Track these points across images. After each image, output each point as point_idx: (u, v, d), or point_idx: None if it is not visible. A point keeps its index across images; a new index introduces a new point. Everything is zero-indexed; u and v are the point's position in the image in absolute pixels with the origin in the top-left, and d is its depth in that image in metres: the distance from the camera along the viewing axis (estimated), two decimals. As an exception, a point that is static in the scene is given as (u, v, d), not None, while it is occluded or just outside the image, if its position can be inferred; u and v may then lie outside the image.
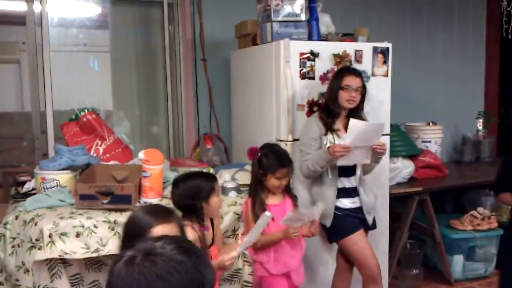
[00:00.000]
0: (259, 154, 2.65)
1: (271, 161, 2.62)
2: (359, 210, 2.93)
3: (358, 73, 2.87)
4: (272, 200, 2.68)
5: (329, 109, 2.88)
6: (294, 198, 2.76)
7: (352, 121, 2.72)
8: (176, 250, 1.08)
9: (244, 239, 2.25)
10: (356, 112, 2.89)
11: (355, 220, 2.90)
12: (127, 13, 3.98)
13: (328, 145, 2.80)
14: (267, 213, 2.36)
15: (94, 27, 3.99)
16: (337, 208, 2.87)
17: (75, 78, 3.85)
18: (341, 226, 2.88)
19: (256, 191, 2.66)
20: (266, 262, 2.65)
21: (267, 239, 2.58)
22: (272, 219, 2.51)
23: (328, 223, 2.88)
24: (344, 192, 2.90)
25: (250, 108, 3.52)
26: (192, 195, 2.26)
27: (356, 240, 2.86)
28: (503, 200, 2.99)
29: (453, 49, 4.96)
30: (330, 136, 2.85)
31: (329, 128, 2.86)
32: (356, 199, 2.93)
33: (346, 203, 2.90)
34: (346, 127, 2.82)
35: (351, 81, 2.81)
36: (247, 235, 2.32)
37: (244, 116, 3.63)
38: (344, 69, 2.96)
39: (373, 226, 3.04)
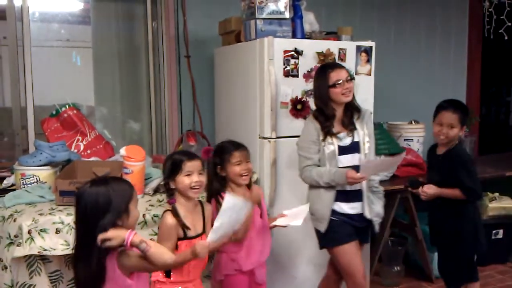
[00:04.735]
0: (212, 153, 2.62)
1: (223, 149, 2.58)
2: (357, 217, 2.74)
3: (340, 65, 2.78)
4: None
5: (324, 113, 2.72)
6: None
7: (363, 162, 2.66)
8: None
9: (215, 224, 2.04)
10: (351, 105, 2.77)
11: (350, 229, 2.72)
12: (109, 9, 3.94)
13: (327, 150, 2.69)
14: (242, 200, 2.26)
15: (76, 23, 3.94)
16: (333, 212, 2.70)
17: (57, 73, 3.80)
18: (335, 233, 2.70)
19: (214, 189, 2.54)
20: (239, 258, 2.55)
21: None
22: (261, 216, 2.54)
23: (322, 228, 2.72)
24: (342, 195, 2.71)
25: (233, 106, 3.52)
26: (168, 169, 2.34)
27: (347, 251, 2.70)
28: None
29: (436, 48, 5.00)
30: (329, 139, 2.70)
31: (328, 132, 2.71)
32: (356, 204, 2.74)
33: (344, 207, 2.72)
34: (343, 125, 2.74)
35: (339, 75, 2.68)
36: (216, 220, 2.11)
37: (228, 113, 3.63)
38: (325, 66, 2.80)
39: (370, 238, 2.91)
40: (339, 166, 2.69)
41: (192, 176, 2.29)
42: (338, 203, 2.71)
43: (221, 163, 2.56)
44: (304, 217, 2.60)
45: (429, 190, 2.82)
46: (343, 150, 2.72)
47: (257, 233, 2.61)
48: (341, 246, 2.71)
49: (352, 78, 2.75)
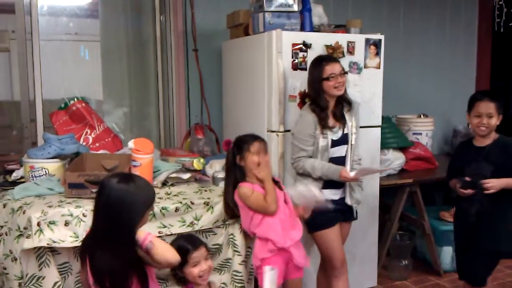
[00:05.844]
0: (232, 143, 2.66)
1: (243, 140, 2.62)
2: (340, 201, 2.88)
3: (335, 59, 2.88)
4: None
5: (318, 104, 2.84)
6: (276, 183, 2.68)
7: (360, 168, 2.86)
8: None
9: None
10: (343, 98, 2.88)
11: (332, 214, 2.83)
12: (118, 2, 3.95)
13: (321, 143, 2.80)
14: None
15: (84, 16, 3.95)
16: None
17: (65, 67, 3.82)
18: (317, 219, 2.80)
19: (236, 177, 2.62)
20: (275, 236, 2.54)
21: None
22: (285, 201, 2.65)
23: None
24: (328, 183, 2.83)
25: (241, 99, 3.51)
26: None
27: (327, 235, 2.85)
28: (451, 186, 2.93)
29: (446, 41, 4.97)
30: (325, 133, 2.81)
31: (324, 125, 2.81)
32: (339, 191, 2.88)
33: (328, 194, 2.82)
34: (335, 118, 2.86)
35: (333, 69, 2.78)
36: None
37: (236, 106, 3.62)
38: (321, 59, 2.88)
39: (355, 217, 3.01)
40: (329, 157, 2.84)
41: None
42: (323, 190, 2.81)
43: (240, 153, 2.61)
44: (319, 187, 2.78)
45: (496, 182, 2.68)
46: (334, 143, 2.85)
47: (285, 215, 2.61)
48: (321, 231, 2.86)
49: (345, 73, 2.85)
